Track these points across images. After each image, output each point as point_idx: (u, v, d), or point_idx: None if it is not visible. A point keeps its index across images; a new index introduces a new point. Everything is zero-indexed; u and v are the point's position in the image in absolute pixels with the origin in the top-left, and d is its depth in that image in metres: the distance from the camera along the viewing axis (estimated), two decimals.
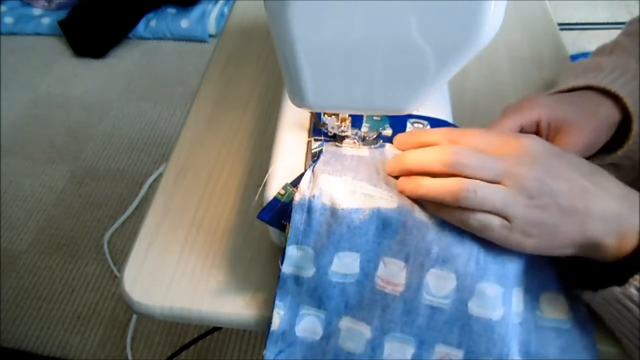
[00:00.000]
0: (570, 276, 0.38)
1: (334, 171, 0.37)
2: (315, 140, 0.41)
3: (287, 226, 0.36)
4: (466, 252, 0.34)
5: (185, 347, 0.62)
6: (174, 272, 0.41)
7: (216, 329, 0.54)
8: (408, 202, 0.36)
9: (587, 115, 0.42)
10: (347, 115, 0.39)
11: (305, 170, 0.38)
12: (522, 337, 0.35)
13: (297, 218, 0.36)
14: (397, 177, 0.37)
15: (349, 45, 0.31)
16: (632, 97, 0.43)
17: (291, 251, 0.36)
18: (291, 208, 0.36)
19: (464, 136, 0.36)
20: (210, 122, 0.54)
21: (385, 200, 0.36)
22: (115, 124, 1.61)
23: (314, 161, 0.38)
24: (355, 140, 0.40)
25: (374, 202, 0.36)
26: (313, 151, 0.40)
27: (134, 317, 1.15)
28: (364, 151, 0.40)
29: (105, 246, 1.28)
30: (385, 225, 0.35)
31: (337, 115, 0.39)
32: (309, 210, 0.36)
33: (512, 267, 0.35)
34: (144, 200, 1.39)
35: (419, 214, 0.35)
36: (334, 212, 0.35)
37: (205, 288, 0.40)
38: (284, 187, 0.37)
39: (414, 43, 0.30)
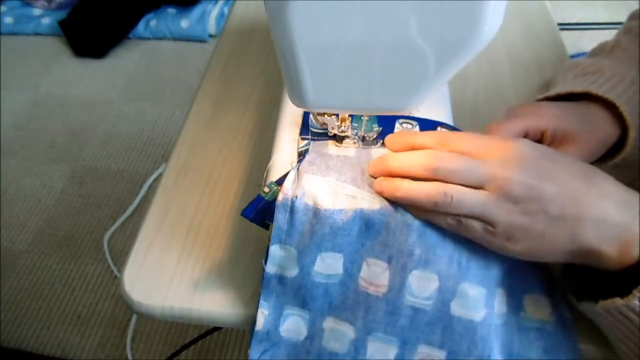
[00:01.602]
0: (567, 285, 0.37)
1: (318, 171, 0.37)
2: (302, 139, 0.41)
3: (271, 226, 0.36)
4: (448, 254, 0.34)
5: (185, 347, 0.62)
6: (174, 272, 0.41)
7: (216, 329, 0.54)
8: (391, 203, 0.36)
9: (591, 129, 0.42)
10: (347, 115, 0.39)
11: (291, 170, 0.38)
12: (505, 338, 0.35)
13: (280, 218, 0.36)
14: None
15: (349, 45, 0.31)
16: (630, 105, 0.43)
17: (274, 251, 0.36)
18: (274, 207, 0.36)
19: (453, 139, 0.36)
20: (210, 122, 0.54)
21: (368, 201, 0.36)
22: (115, 124, 1.61)
23: (299, 161, 0.38)
24: (355, 140, 0.40)
25: (357, 203, 0.35)
26: (299, 150, 0.40)
27: (134, 317, 1.15)
28: (350, 151, 0.40)
29: (105, 246, 1.28)
30: (368, 226, 0.35)
31: (337, 115, 0.39)
32: (292, 210, 0.36)
33: (495, 269, 0.35)
34: (144, 200, 1.39)
35: (401, 215, 0.35)
36: (316, 213, 0.35)
37: (205, 288, 0.40)
38: (268, 185, 0.37)
39: (413, 43, 0.30)
